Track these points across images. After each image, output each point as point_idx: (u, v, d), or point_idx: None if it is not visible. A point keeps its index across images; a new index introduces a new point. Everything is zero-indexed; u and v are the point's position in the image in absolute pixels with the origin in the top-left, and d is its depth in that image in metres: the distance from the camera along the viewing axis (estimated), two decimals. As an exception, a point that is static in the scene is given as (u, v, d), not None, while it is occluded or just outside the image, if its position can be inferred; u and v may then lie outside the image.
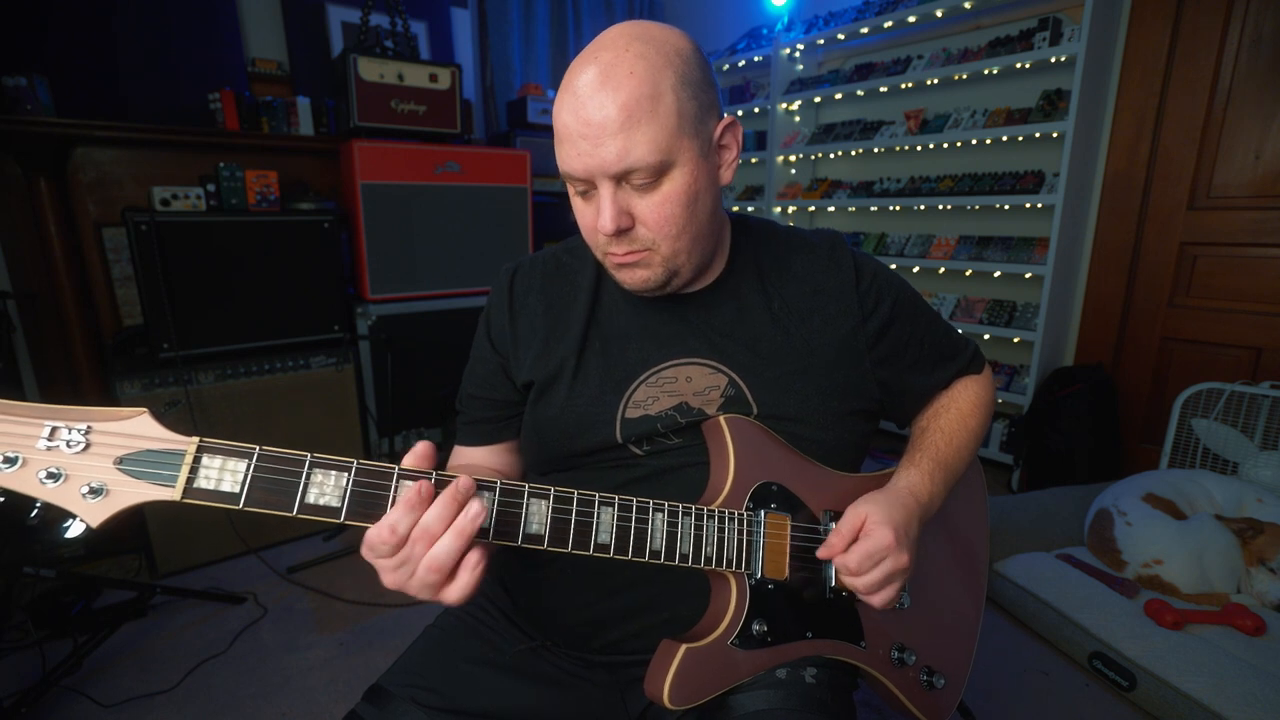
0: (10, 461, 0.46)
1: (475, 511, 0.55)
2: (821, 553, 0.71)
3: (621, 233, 0.67)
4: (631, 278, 0.71)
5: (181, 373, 1.90)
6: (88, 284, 2.12)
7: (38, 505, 0.49)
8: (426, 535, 0.54)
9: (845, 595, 0.73)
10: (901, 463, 0.81)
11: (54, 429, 0.47)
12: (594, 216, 0.67)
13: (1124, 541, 1.75)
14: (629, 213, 0.66)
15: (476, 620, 0.84)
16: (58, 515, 0.49)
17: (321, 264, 2.14)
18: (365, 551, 0.55)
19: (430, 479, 0.56)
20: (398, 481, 0.55)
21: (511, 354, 0.81)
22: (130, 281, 2.16)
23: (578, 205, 0.71)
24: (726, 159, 0.71)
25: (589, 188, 0.67)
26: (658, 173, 0.64)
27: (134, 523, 1.93)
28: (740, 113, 3.59)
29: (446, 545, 0.54)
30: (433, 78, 2.32)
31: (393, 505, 0.55)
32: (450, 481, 0.56)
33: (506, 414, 0.84)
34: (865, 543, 0.68)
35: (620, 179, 0.65)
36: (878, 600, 0.70)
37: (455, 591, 0.56)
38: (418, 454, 0.57)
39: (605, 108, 0.61)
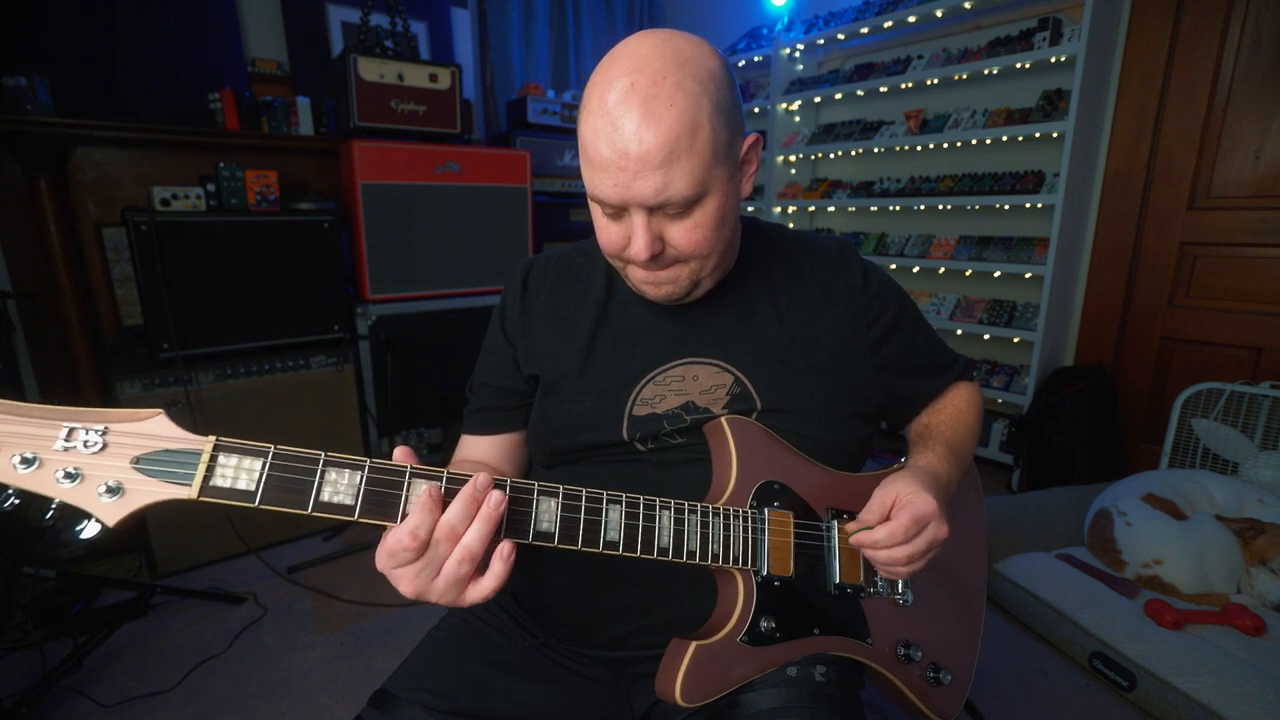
0: (28, 462, 0.46)
1: (498, 499, 0.56)
2: (855, 536, 0.69)
3: (653, 258, 0.67)
4: (657, 293, 0.72)
5: (181, 373, 1.90)
6: (88, 284, 2.12)
7: (54, 506, 0.49)
8: (450, 534, 0.55)
9: (849, 592, 0.73)
10: (913, 451, 0.81)
11: (71, 430, 0.47)
12: (621, 237, 0.68)
13: (1124, 541, 1.75)
14: (661, 238, 0.67)
15: (480, 621, 0.84)
16: (72, 516, 0.50)
17: (321, 264, 2.13)
18: (383, 560, 0.55)
19: (442, 480, 0.57)
20: (410, 480, 0.56)
21: (523, 347, 0.82)
22: (130, 281, 2.16)
23: (603, 224, 0.70)
24: (747, 173, 0.72)
25: (619, 211, 0.67)
26: (692, 203, 0.65)
27: (135, 523, 1.93)
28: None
29: (476, 532, 0.55)
30: (433, 78, 2.32)
31: (406, 508, 0.55)
32: (466, 479, 0.57)
33: (515, 404, 0.85)
34: (910, 509, 0.67)
35: (654, 209, 0.65)
36: (906, 571, 0.68)
37: (487, 582, 0.57)
38: (399, 458, 0.58)
39: (645, 141, 0.60)
